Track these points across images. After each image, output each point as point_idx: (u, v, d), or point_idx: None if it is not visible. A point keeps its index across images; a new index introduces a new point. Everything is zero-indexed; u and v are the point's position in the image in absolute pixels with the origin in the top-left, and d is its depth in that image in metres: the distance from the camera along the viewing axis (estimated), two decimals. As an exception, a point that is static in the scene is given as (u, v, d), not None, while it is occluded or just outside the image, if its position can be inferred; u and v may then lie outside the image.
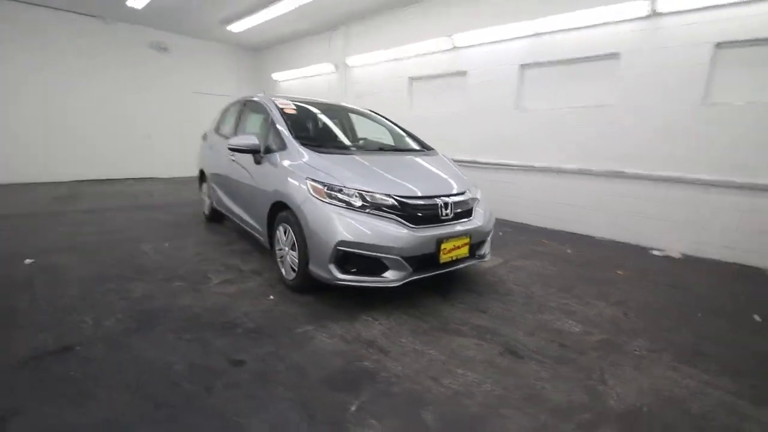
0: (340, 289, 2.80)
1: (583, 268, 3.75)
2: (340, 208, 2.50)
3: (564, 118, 5.16)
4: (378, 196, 2.56)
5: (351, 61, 7.90)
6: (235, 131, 4.05)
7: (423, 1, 6.51)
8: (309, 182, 2.63)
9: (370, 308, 2.68)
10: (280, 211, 2.96)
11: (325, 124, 3.81)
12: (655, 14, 4.30)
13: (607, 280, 3.44)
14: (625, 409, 1.77)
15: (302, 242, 2.65)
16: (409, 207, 2.58)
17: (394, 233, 2.46)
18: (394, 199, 2.57)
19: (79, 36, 7.93)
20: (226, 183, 4.08)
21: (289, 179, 2.80)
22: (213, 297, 2.79)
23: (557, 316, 2.69)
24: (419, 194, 2.66)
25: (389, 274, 2.50)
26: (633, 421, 1.69)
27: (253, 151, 3.21)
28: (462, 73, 6.22)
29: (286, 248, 2.88)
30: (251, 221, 3.52)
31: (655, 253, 4.39)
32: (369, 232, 2.43)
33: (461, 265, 2.88)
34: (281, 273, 3.03)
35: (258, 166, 3.26)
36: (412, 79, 7.02)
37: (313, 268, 2.59)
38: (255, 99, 3.93)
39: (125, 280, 3.04)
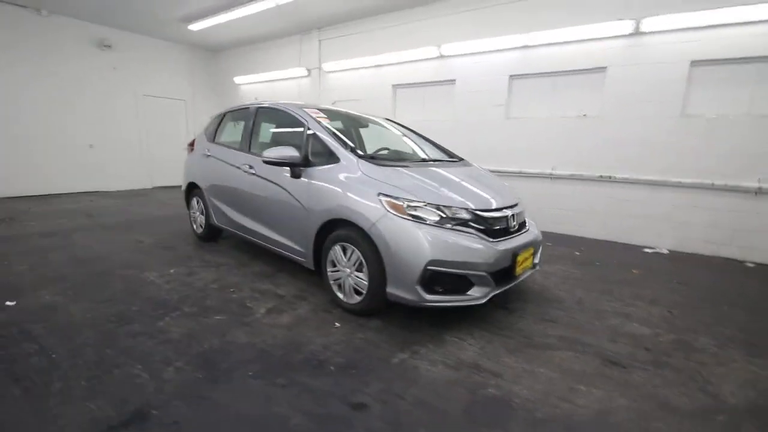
0: (404, 309, 2.64)
1: (600, 270, 3.96)
2: (423, 225, 2.35)
3: (554, 127, 5.46)
4: (456, 210, 2.46)
5: (327, 66, 7.64)
6: (249, 141, 3.67)
7: (405, 9, 6.50)
8: (383, 198, 2.44)
9: (448, 328, 2.55)
10: (335, 229, 2.72)
11: (357, 134, 3.60)
12: (638, 32, 4.73)
13: (630, 281, 3.67)
14: (748, 405, 1.86)
15: (375, 263, 2.44)
16: (484, 220, 2.52)
17: (479, 248, 2.38)
18: (471, 212, 2.49)
19: (8, 29, 6.70)
20: (238, 197, 3.68)
21: (353, 195, 2.58)
22: (270, 330, 2.47)
23: (619, 320, 2.79)
24: (491, 206, 2.61)
25: (474, 291, 2.41)
26: (764, 416, 1.79)
27: (293, 164, 2.92)
28: (450, 82, 6.32)
29: (348, 270, 2.65)
30: (283, 240, 3.20)
31: (647, 250, 4.80)
32: (457, 249, 2.32)
33: (525, 276, 2.88)
34: (337, 296, 2.78)
35: (296, 181, 2.97)
36: (395, 86, 6.98)
37: (394, 290, 2.40)
38: (271, 106, 3.60)
39: (149, 318, 2.58)
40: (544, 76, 5.52)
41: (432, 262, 2.27)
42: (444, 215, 2.42)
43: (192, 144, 4.66)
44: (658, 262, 4.36)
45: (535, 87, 5.64)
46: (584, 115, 5.28)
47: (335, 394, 1.85)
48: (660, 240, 4.90)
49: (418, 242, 2.29)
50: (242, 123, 3.95)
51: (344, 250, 2.66)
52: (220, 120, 4.30)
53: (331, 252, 2.75)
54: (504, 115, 5.87)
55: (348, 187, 2.63)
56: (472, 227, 2.46)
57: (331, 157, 2.84)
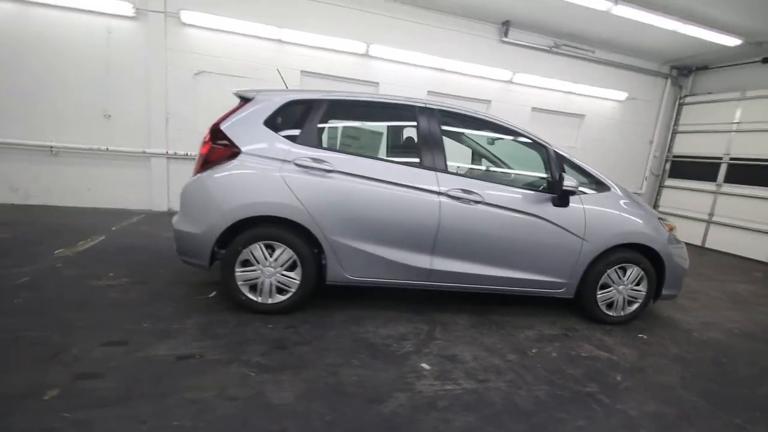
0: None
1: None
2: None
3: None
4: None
5: (190, 16, 5.16)
6: (443, 156, 2.74)
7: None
8: (662, 222, 3.03)
9: (661, 310, 3.51)
10: (608, 254, 2.93)
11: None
12: (511, 82, 6.85)
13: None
14: None
15: (655, 275, 3.02)
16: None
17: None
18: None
19: None
20: (433, 236, 2.64)
21: (642, 221, 2.95)
22: (665, 370, 2.52)
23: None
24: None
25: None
26: None
27: (573, 194, 2.78)
28: (373, 84, 6.19)
29: (626, 287, 2.99)
30: (528, 276, 2.85)
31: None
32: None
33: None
34: (606, 315, 3.03)
35: (563, 210, 2.81)
36: (305, 73, 5.88)
37: (667, 291, 3.09)
38: (467, 113, 2.98)
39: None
40: (452, 98, 6.66)
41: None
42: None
43: (227, 145, 2.48)
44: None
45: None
46: (475, 133, 6.94)
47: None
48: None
49: (686, 251, 3.14)
50: (390, 126, 2.84)
51: (621, 270, 2.98)
52: (322, 113, 2.64)
53: (606, 275, 2.95)
54: (419, 124, 6.54)
55: (634, 213, 2.96)
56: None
57: (596, 184, 2.98)
